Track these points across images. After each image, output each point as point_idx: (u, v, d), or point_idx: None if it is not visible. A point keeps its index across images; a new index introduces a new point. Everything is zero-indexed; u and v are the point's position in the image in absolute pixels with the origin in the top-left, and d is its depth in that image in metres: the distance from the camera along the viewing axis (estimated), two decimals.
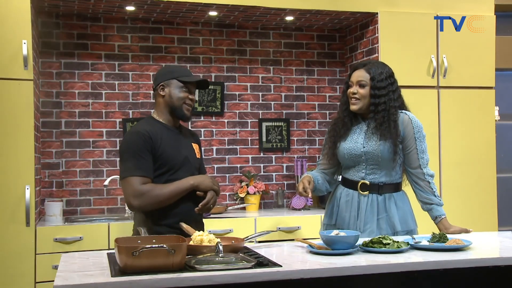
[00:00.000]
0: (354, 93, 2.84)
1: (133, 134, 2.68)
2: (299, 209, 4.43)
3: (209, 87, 2.56)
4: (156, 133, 2.66)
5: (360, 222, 2.84)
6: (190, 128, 4.43)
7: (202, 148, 4.49)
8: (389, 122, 2.79)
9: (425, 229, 2.83)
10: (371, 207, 2.83)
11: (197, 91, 4.46)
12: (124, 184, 2.62)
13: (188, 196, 2.66)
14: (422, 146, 2.84)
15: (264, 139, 4.66)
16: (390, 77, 2.86)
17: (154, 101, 2.84)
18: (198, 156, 2.86)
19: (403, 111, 2.88)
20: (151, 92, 4.30)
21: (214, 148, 4.55)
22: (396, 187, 2.89)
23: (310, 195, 2.78)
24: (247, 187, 4.45)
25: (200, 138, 4.46)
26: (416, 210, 2.93)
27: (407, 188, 2.95)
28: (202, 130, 4.53)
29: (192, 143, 2.86)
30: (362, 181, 2.85)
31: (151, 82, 4.26)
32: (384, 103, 2.80)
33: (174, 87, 2.73)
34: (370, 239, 2.41)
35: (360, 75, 2.85)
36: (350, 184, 2.90)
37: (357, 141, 2.85)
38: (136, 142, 2.62)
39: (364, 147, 2.83)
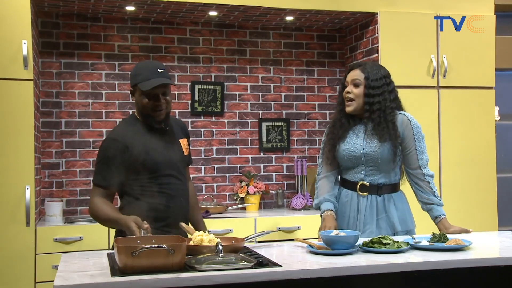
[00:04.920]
0: (348, 92, 2.83)
1: (107, 140, 2.63)
2: (299, 209, 4.43)
3: (175, 84, 2.37)
4: (131, 138, 2.57)
5: (359, 223, 2.83)
6: (190, 127, 4.42)
7: (202, 148, 4.51)
8: (387, 123, 2.78)
9: (425, 229, 2.82)
10: (371, 208, 2.83)
11: (197, 89, 4.47)
12: None
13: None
14: (421, 146, 2.83)
15: (264, 139, 4.66)
16: (385, 77, 2.85)
17: None
18: (186, 153, 2.76)
19: (401, 112, 2.87)
20: None
21: (214, 148, 4.55)
22: (395, 188, 2.89)
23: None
24: (247, 187, 4.45)
25: (200, 138, 4.50)
26: (415, 210, 2.93)
27: (405, 188, 2.95)
28: (202, 130, 4.53)
29: (180, 140, 2.75)
30: (361, 182, 2.85)
31: None
32: (379, 103, 2.79)
33: (138, 94, 2.57)
34: (370, 239, 2.41)
35: (355, 74, 2.85)
36: (349, 185, 2.89)
37: (356, 142, 2.84)
38: (106, 149, 2.57)
39: (363, 148, 2.82)
